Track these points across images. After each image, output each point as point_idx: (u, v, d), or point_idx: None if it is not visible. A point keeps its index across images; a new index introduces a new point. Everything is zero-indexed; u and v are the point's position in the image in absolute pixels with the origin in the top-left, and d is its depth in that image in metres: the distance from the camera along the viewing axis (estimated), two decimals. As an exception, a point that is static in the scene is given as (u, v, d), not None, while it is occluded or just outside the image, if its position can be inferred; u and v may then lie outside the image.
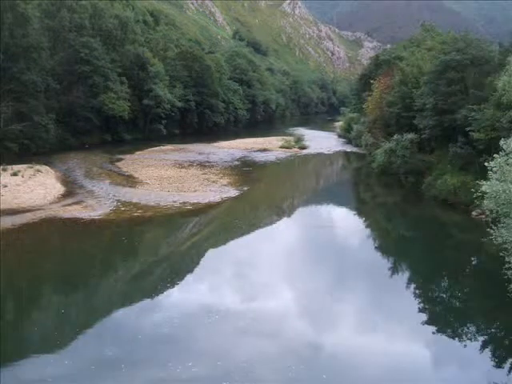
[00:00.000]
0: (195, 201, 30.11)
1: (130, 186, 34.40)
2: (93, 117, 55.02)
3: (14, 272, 18.96)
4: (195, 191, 33.09)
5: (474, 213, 26.35)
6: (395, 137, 37.82)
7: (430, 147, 37.10)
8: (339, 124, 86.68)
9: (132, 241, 23.66)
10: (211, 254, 22.48)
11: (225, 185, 35.71)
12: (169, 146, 58.06)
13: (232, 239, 24.83)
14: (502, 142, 15.58)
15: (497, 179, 14.54)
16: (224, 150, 56.66)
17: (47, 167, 38.25)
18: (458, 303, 18.44)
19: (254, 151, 56.58)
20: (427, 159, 35.86)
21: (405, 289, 19.00)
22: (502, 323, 15.97)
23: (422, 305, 17.46)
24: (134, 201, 29.48)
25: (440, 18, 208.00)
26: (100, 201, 29.39)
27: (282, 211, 32.14)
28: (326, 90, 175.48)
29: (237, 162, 48.41)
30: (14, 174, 33.32)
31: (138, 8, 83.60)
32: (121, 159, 47.06)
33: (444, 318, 16.72)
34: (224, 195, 32.12)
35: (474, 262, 22.93)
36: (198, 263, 21.24)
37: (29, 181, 32.76)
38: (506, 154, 14.88)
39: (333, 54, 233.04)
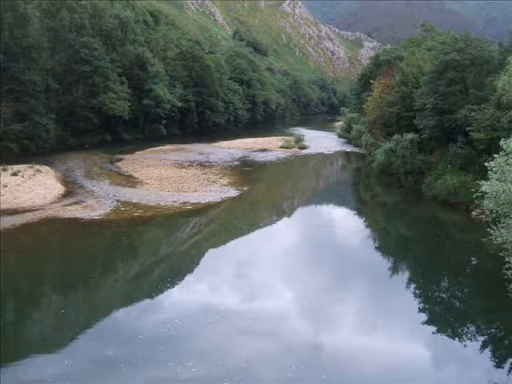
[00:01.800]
0: (195, 201, 30.13)
1: (130, 186, 34.40)
2: (93, 117, 54.95)
3: (14, 272, 18.99)
4: (195, 191, 33.10)
5: (473, 213, 26.36)
6: (395, 137, 37.77)
7: (430, 147, 37.04)
8: (339, 124, 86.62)
9: (132, 241, 23.69)
10: (211, 254, 22.49)
11: (225, 185, 35.72)
12: (169, 146, 58.03)
13: (232, 239, 24.83)
14: (502, 142, 15.63)
15: (497, 179, 14.57)
16: (224, 150, 56.67)
17: (47, 167, 38.22)
18: (458, 303, 18.45)
19: (254, 151, 56.57)
20: (427, 159, 35.83)
21: (405, 289, 19.01)
22: (502, 323, 15.98)
23: (422, 305, 17.47)
24: (134, 201, 29.50)
25: (440, 17, 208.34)
26: (100, 201, 29.40)
27: (282, 211, 32.15)
28: (325, 90, 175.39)
29: (237, 162, 48.40)
30: (14, 174, 33.29)
31: (138, 8, 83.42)
32: (121, 159, 47.06)
33: (444, 317, 16.73)
34: (224, 195, 32.12)
35: (473, 262, 22.93)
36: (197, 263, 21.25)
37: (29, 181, 32.75)
38: (506, 154, 14.92)
39: (333, 54, 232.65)
